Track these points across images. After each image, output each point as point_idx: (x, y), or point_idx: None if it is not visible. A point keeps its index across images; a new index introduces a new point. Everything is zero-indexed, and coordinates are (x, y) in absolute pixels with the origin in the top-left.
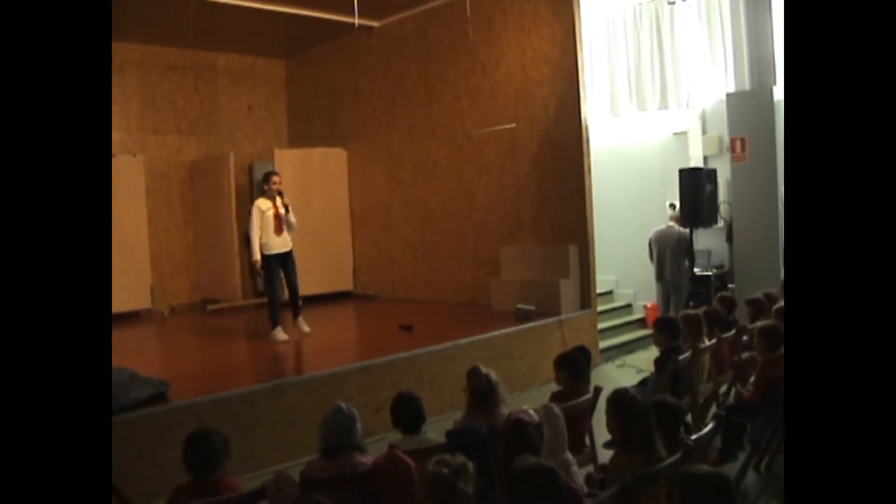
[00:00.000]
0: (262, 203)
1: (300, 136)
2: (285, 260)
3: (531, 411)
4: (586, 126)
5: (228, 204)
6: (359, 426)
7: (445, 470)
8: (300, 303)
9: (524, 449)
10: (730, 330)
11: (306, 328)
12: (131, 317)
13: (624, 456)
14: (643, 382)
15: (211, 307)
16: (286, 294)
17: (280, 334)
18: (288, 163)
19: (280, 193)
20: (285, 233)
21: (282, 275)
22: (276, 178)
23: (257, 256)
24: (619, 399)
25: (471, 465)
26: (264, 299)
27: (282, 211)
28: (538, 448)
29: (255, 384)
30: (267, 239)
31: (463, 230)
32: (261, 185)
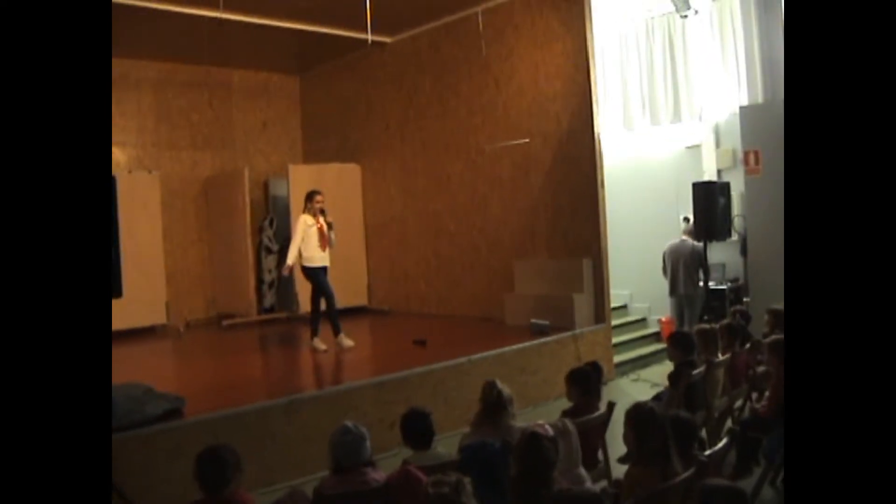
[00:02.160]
0: (307, 218)
1: (314, 152)
2: (325, 274)
3: (546, 426)
4: (599, 140)
5: (243, 219)
6: (368, 444)
7: (446, 489)
8: (337, 318)
9: (539, 463)
10: (745, 344)
11: (348, 342)
12: (147, 332)
13: (639, 469)
14: (657, 397)
15: (226, 322)
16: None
17: (320, 344)
18: (302, 178)
19: (323, 212)
20: (327, 250)
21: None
22: (319, 197)
23: (290, 262)
24: (638, 412)
25: (467, 480)
26: (275, 314)
27: (325, 228)
28: (553, 462)
29: (269, 400)
30: (311, 253)
31: (477, 244)
32: (304, 202)
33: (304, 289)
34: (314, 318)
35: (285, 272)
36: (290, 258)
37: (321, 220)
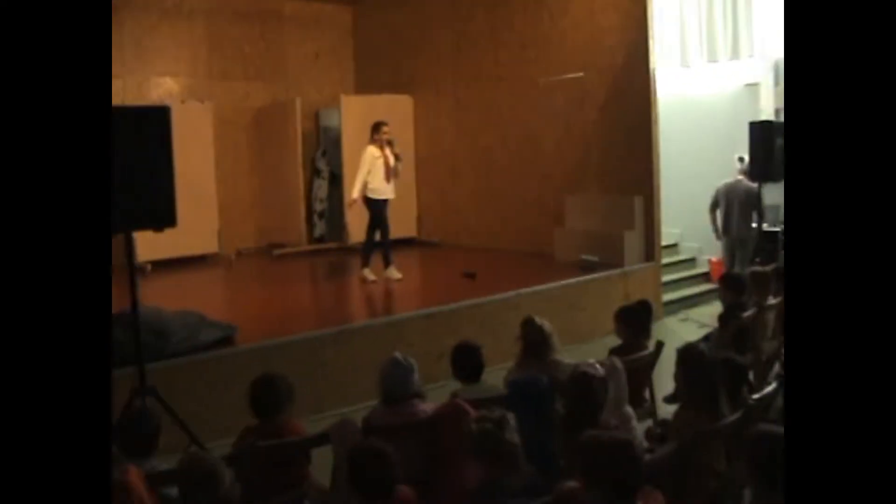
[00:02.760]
0: (374, 150)
1: (366, 83)
2: (386, 206)
3: (596, 365)
4: (654, 76)
5: (294, 150)
6: (416, 376)
7: (489, 425)
8: (391, 250)
9: (589, 402)
10: None
11: (398, 275)
12: (199, 260)
13: (687, 411)
14: (706, 338)
15: (277, 252)
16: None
17: (370, 274)
18: (354, 109)
19: (390, 143)
20: (392, 181)
21: None
22: (385, 128)
23: (355, 196)
24: (688, 353)
25: (511, 415)
26: (325, 245)
27: (391, 160)
28: (602, 402)
29: (319, 329)
30: (377, 185)
31: (528, 179)
32: (371, 133)
33: (353, 219)
34: (367, 249)
35: (349, 205)
36: (355, 191)
37: (388, 151)
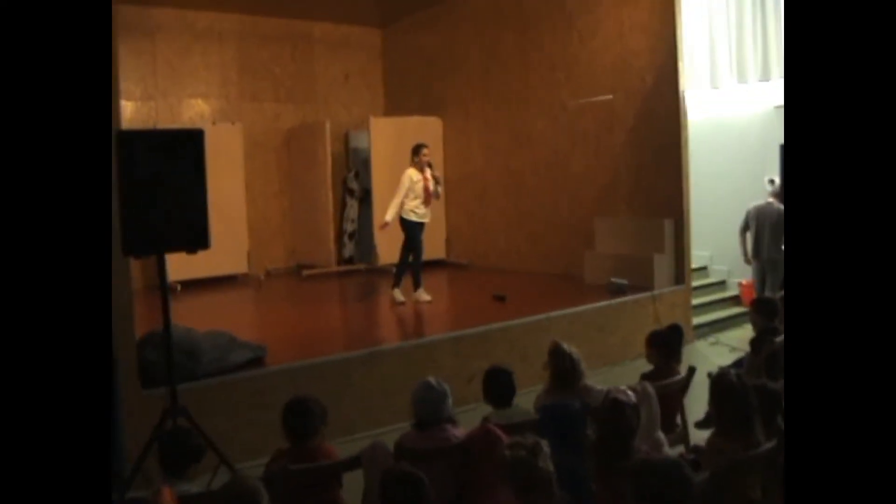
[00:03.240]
0: (413, 173)
1: (396, 105)
2: (421, 230)
3: (629, 391)
4: (684, 98)
5: (324, 171)
6: (450, 400)
7: (522, 452)
8: (421, 272)
9: (621, 429)
10: None
11: (427, 297)
12: (229, 280)
13: (721, 439)
14: (738, 363)
15: (306, 272)
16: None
17: (399, 295)
18: (383, 131)
19: (430, 165)
20: (429, 206)
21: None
22: (426, 150)
23: (389, 219)
24: (722, 380)
25: (545, 442)
26: (354, 266)
27: (430, 183)
28: (635, 429)
29: (349, 351)
30: (415, 207)
31: (557, 201)
32: (411, 156)
33: (383, 241)
34: (399, 271)
35: (381, 227)
36: (390, 213)
37: (428, 174)
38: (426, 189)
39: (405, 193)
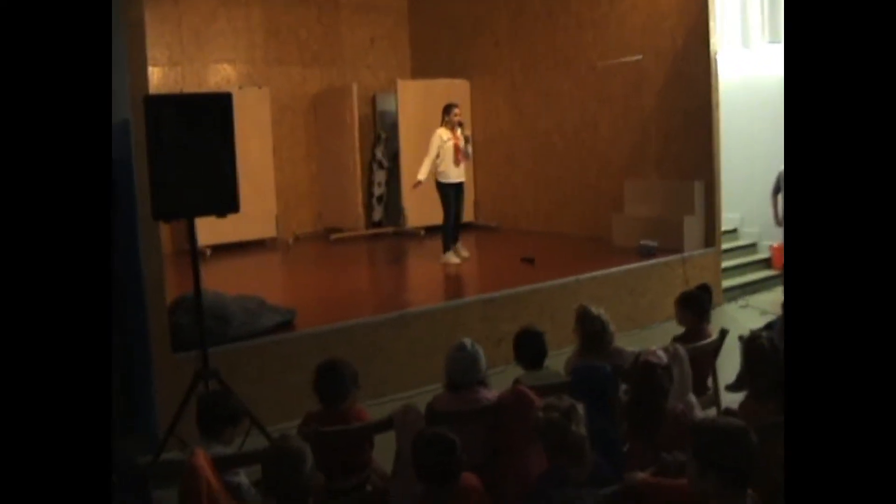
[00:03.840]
0: (443, 133)
1: (423, 68)
2: (458, 190)
3: (660, 352)
4: (715, 59)
5: (351, 135)
6: (483, 362)
7: (556, 414)
8: (460, 232)
9: (654, 390)
10: None
11: (465, 253)
12: (257, 245)
13: (754, 401)
14: (769, 325)
15: (334, 236)
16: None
17: (452, 257)
18: (411, 94)
19: (460, 125)
20: (462, 164)
21: None
22: (456, 110)
23: (422, 177)
24: (753, 343)
25: (580, 405)
26: (383, 229)
27: (461, 142)
28: (667, 390)
29: (378, 314)
30: (445, 168)
31: (586, 163)
32: (442, 115)
33: (411, 203)
34: (446, 232)
35: (415, 187)
36: (422, 173)
37: (458, 133)
38: (456, 148)
39: (436, 153)
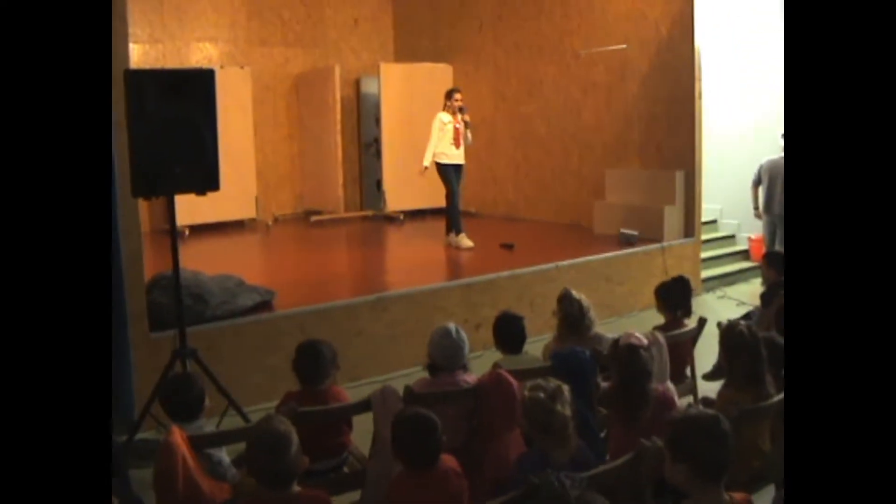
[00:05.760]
0: (444, 116)
1: (406, 51)
2: (458, 172)
3: (640, 335)
4: (699, 49)
5: (333, 117)
6: (466, 349)
7: (542, 394)
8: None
9: (638, 373)
10: None
11: (461, 242)
12: (236, 226)
13: (732, 390)
14: (747, 316)
15: (314, 218)
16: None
17: (465, 241)
18: (393, 77)
19: (461, 110)
20: (462, 147)
21: None
22: (458, 95)
23: (426, 163)
24: (731, 332)
25: (566, 387)
26: (362, 212)
27: (461, 126)
28: (651, 372)
29: (357, 297)
30: (445, 149)
31: (568, 150)
32: (444, 100)
33: (391, 187)
34: (452, 214)
35: (421, 173)
36: (427, 158)
37: (459, 118)
38: (456, 131)
39: (437, 136)
